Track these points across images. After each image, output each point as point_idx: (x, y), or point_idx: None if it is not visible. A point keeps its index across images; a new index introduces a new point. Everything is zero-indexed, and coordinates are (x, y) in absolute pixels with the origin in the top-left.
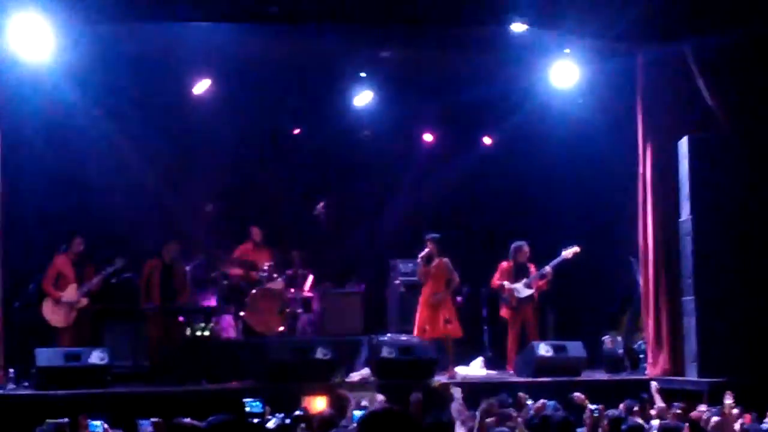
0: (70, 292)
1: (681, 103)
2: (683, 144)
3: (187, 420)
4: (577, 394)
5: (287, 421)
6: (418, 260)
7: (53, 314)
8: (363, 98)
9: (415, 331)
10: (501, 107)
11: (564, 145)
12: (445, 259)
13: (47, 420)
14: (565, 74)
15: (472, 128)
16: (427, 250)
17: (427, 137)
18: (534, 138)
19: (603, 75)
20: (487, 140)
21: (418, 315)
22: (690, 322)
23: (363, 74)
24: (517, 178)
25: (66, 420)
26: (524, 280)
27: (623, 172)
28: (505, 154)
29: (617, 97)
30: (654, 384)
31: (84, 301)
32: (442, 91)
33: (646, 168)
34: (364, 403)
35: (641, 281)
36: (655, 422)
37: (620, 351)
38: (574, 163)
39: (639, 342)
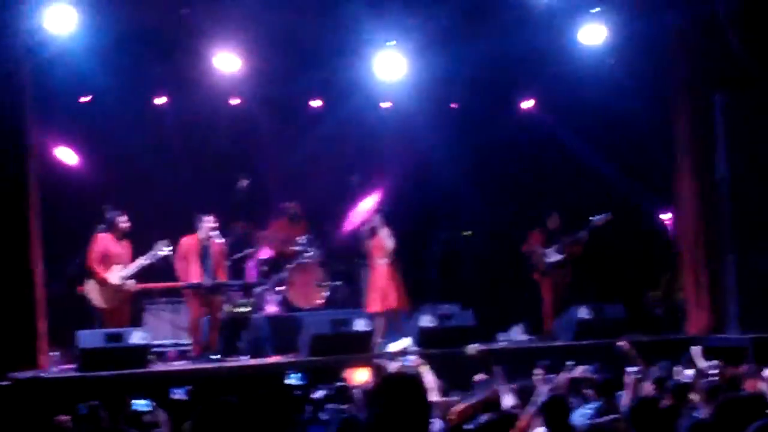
0: (117, 274)
1: (716, 58)
2: (718, 100)
3: None
4: (622, 343)
5: (330, 392)
6: (361, 233)
7: (99, 295)
8: (390, 67)
9: (369, 306)
10: (531, 71)
11: (596, 107)
12: (385, 230)
13: (78, 404)
14: (594, 35)
15: (501, 94)
16: (370, 222)
17: (454, 105)
18: (565, 101)
19: (633, 35)
20: (526, 104)
21: (368, 289)
22: (730, 280)
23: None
24: (549, 142)
25: (96, 402)
26: (555, 246)
27: (656, 132)
28: (537, 119)
29: (648, 57)
30: (696, 348)
31: (131, 284)
32: (470, 58)
33: (681, 126)
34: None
35: (681, 240)
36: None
37: (661, 311)
38: (607, 125)
39: (679, 301)
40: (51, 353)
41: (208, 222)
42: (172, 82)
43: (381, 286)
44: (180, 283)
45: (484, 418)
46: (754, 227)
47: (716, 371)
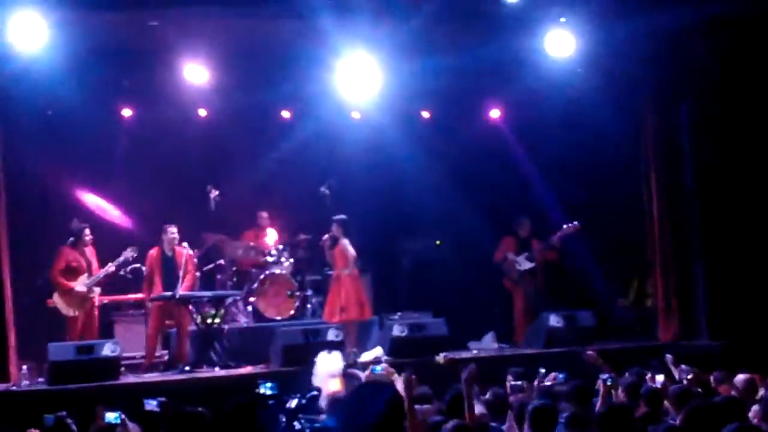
0: (82, 283)
1: (684, 69)
2: (685, 109)
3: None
4: (589, 352)
5: (303, 401)
6: (322, 243)
7: (65, 305)
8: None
9: (325, 316)
10: (500, 80)
11: (564, 116)
12: (345, 240)
13: (44, 415)
14: (561, 44)
15: (469, 102)
16: (331, 232)
17: (425, 114)
18: (534, 109)
19: (602, 44)
20: (494, 113)
21: (328, 299)
22: (698, 287)
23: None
24: (518, 150)
25: (64, 413)
26: (525, 254)
27: (626, 141)
28: (506, 127)
29: (616, 67)
30: (669, 356)
31: (97, 291)
32: (439, 67)
33: (648, 135)
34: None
35: (650, 247)
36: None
37: (630, 317)
38: (576, 133)
39: (649, 308)
40: (22, 366)
41: (171, 233)
42: (140, 94)
43: (341, 296)
44: (144, 296)
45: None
46: (722, 235)
47: (689, 377)
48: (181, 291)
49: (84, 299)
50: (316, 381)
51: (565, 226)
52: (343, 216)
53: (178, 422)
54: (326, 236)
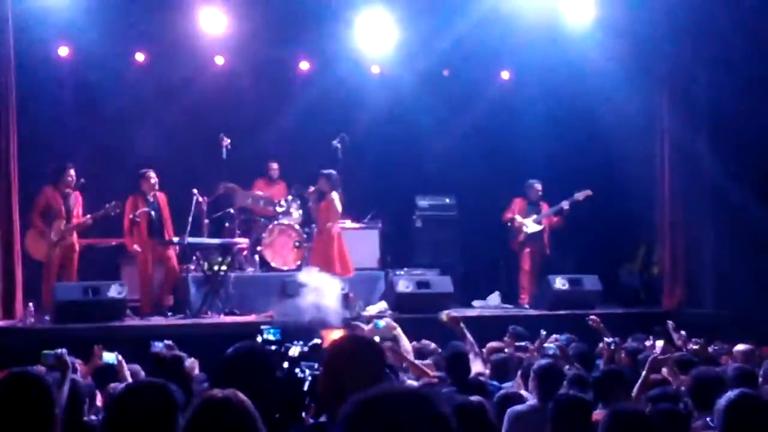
0: (57, 228)
1: (702, 36)
2: (703, 80)
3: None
4: (592, 317)
5: (305, 349)
6: (308, 195)
7: (35, 246)
8: (375, 33)
9: (343, 270)
10: (516, 43)
11: (579, 80)
12: (334, 195)
13: (43, 351)
14: (581, 10)
15: (488, 65)
16: (317, 185)
17: (444, 72)
18: (551, 74)
19: (621, 10)
20: (504, 75)
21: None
22: (705, 256)
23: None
24: (533, 114)
25: (63, 350)
26: (534, 216)
27: (639, 107)
28: (522, 91)
29: (635, 35)
30: (670, 323)
31: (71, 239)
32: (456, 28)
33: (663, 101)
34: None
35: (657, 215)
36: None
37: (636, 284)
38: (589, 98)
39: (655, 275)
40: (28, 304)
41: (152, 178)
42: (155, 40)
43: (324, 251)
44: (129, 241)
45: None
46: (732, 203)
47: (694, 347)
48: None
49: (55, 246)
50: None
51: (576, 193)
52: (331, 171)
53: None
54: (312, 189)
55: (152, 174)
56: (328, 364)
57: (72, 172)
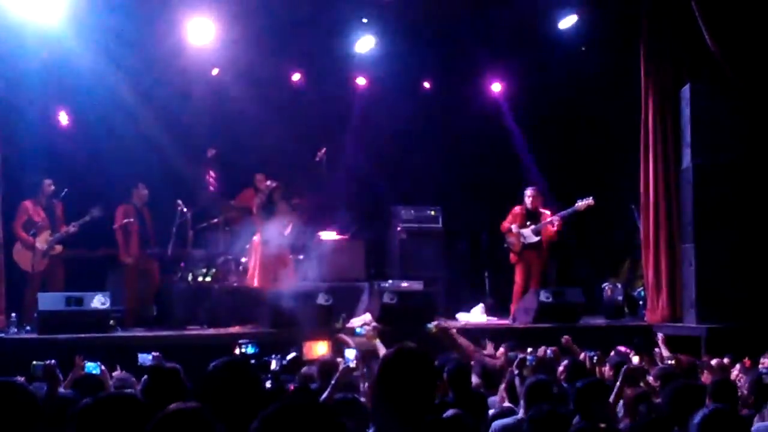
0: (43, 239)
1: (684, 49)
2: (685, 92)
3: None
4: (565, 337)
5: (283, 362)
6: (294, 205)
7: (23, 259)
8: (364, 45)
9: (257, 282)
10: (502, 54)
11: (566, 93)
12: (284, 204)
13: (33, 362)
14: (565, 21)
15: (472, 75)
16: (263, 195)
17: (426, 84)
18: (536, 85)
19: (605, 21)
20: (495, 87)
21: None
22: (689, 269)
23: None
24: (519, 124)
25: (53, 361)
26: (532, 227)
27: (625, 119)
28: (508, 101)
29: (620, 44)
30: (660, 335)
31: (58, 249)
32: (442, 39)
33: (648, 115)
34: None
35: (642, 228)
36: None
37: (620, 297)
38: (576, 111)
39: (638, 289)
40: (11, 314)
41: (144, 190)
42: (147, 49)
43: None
44: (123, 252)
45: None
46: (716, 217)
47: (670, 361)
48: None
49: (43, 256)
50: None
51: (579, 202)
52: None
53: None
54: (259, 200)
55: (143, 186)
56: (379, 377)
57: (49, 182)
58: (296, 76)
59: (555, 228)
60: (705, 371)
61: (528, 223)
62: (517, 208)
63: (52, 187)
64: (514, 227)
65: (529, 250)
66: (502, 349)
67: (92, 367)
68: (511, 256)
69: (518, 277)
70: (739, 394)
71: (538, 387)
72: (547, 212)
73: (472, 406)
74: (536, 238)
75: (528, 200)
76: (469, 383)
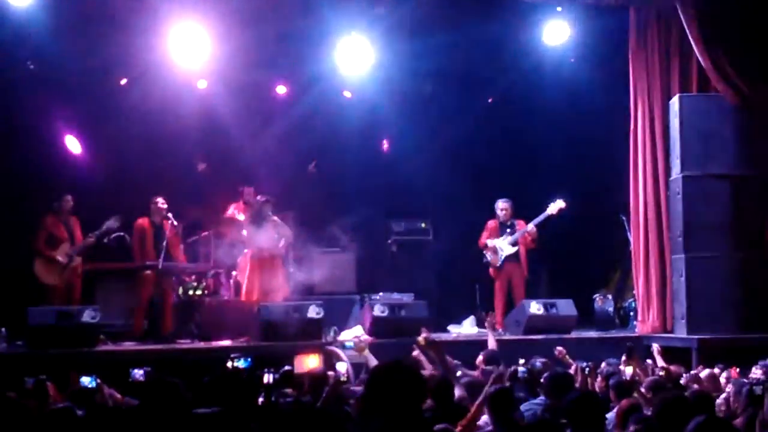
0: (63, 251)
1: (673, 60)
2: (674, 103)
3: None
4: (558, 348)
5: (276, 376)
6: (245, 222)
7: (46, 273)
8: (354, 56)
9: (247, 296)
10: (493, 67)
11: (556, 105)
12: (275, 218)
13: (25, 377)
14: (557, 33)
15: (465, 88)
16: (253, 208)
17: (419, 95)
18: (527, 97)
19: (595, 33)
20: (489, 99)
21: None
22: (679, 281)
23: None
24: (510, 137)
25: (43, 377)
26: (509, 238)
27: (615, 130)
28: (499, 114)
29: (610, 55)
30: (656, 346)
31: (78, 261)
32: (435, 52)
33: (637, 126)
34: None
35: (632, 239)
36: None
37: (610, 309)
38: (566, 122)
39: (629, 300)
40: (0, 329)
41: (160, 203)
42: (133, 63)
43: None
44: (131, 264)
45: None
46: (705, 228)
47: (660, 372)
48: (167, 262)
49: (65, 269)
50: None
51: (547, 208)
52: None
53: (156, 390)
54: (251, 215)
55: (159, 200)
56: (367, 389)
57: (69, 198)
58: (281, 89)
59: (533, 236)
60: (695, 381)
61: (503, 236)
62: (490, 222)
63: (71, 204)
64: (489, 242)
65: (509, 262)
66: (480, 357)
67: (88, 381)
68: (491, 270)
69: (499, 290)
70: (726, 404)
71: (500, 397)
72: (522, 222)
73: (455, 419)
74: (514, 249)
75: (501, 213)
76: (452, 396)
